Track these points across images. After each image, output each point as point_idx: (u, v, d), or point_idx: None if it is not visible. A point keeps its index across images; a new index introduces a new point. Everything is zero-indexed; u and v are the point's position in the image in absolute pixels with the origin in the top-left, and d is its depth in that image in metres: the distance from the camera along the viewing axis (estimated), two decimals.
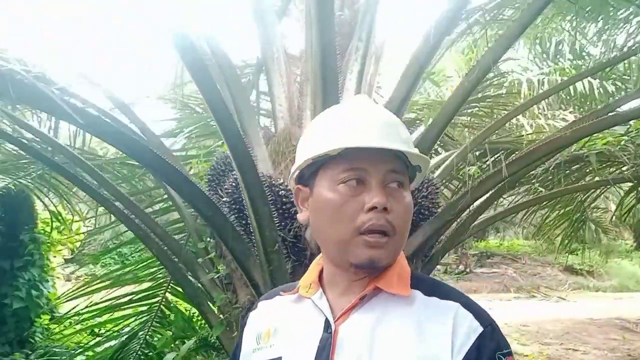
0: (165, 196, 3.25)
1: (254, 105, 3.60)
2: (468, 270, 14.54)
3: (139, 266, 3.90)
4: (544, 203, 4.22)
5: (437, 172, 2.73)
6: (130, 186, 4.11)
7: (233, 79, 2.43)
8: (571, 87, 4.35)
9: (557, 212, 5.26)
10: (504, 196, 4.41)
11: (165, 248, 2.38)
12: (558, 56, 6.31)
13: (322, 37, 1.64)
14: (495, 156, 3.44)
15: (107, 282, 3.78)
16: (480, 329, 0.89)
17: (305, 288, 1.00)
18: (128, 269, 3.94)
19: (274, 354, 0.96)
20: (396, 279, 0.94)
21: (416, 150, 0.94)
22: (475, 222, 2.83)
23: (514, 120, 4.08)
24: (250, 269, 2.09)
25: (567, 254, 9.38)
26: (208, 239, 2.57)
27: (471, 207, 2.54)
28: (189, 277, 2.42)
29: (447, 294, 0.94)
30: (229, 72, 2.41)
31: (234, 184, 2.21)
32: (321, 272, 1.01)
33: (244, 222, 2.19)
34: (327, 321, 0.93)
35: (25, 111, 3.38)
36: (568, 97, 4.77)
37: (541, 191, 3.27)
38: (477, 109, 4.55)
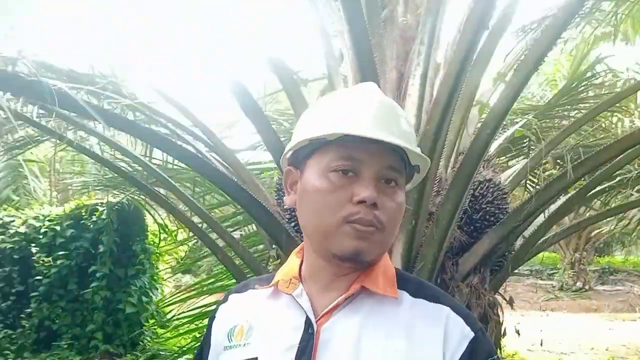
0: None
1: None
2: (587, 287, 13.37)
3: (224, 275, 4.10)
4: None
5: (510, 177, 2.59)
6: (223, 198, 4.35)
7: (294, 90, 2.50)
8: None
9: None
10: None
11: (233, 255, 2.49)
12: None
13: (356, 45, 1.63)
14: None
15: (195, 291, 4.02)
16: (472, 335, 0.86)
17: (285, 283, 0.93)
18: (213, 279, 4.16)
19: (250, 353, 0.90)
20: (382, 278, 0.90)
21: (417, 149, 0.90)
22: (556, 231, 2.64)
23: (628, 123, 3.73)
24: None
25: None
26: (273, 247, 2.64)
27: (546, 213, 2.38)
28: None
29: (435, 297, 0.90)
30: (290, 85, 2.48)
31: None
32: (300, 264, 0.95)
33: None
34: (308, 320, 0.88)
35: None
36: None
37: None
38: (576, 111, 4.23)
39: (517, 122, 3.96)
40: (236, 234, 4.29)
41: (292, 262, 0.97)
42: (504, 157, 4.38)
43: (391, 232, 0.89)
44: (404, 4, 2.74)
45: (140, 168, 3.69)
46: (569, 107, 4.15)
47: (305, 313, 0.88)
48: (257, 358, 0.89)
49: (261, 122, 1.95)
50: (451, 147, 2.38)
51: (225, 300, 1.03)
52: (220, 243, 2.98)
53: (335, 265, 0.89)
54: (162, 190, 3.61)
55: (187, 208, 3.24)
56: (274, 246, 2.66)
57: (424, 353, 0.83)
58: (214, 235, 3.00)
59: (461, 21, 1.64)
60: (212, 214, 4.02)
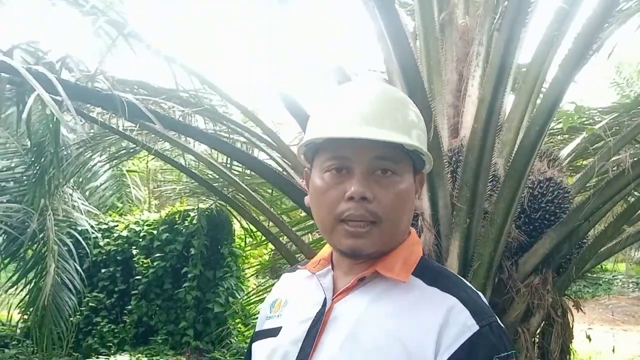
0: None
1: None
2: None
3: None
4: None
5: (576, 177, 2.51)
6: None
7: None
8: None
9: None
10: None
11: (298, 254, 2.64)
12: None
13: (398, 52, 1.70)
14: None
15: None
16: (476, 328, 0.83)
17: (313, 264, 1.01)
18: None
19: (279, 323, 1.00)
20: (400, 264, 0.92)
21: (403, 138, 0.88)
22: (632, 232, 2.52)
23: None
24: None
25: None
26: None
27: (613, 212, 2.30)
28: None
29: (447, 287, 0.90)
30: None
31: None
32: None
33: None
34: (326, 298, 0.94)
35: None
36: None
37: None
38: None
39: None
40: (311, 238, 4.46)
41: (327, 246, 1.03)
42: (591, 159, 4.19)
43: (393, 222, 0.91)
44: (463, 6, 2.76)
45: (217, 176, 3.99)
46: None
47: (324, 292, 0.96)
48: (281, 327, 0.98)
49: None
50: (510, 147, 2.36)
51: (279, 278, 1.14)
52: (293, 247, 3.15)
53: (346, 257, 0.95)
54: (241, 196, 3.87)
55: (261, 214, 3.46)
56: None
57: (420, 338, 0.84)
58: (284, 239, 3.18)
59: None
60: (285, 217, 4.21)
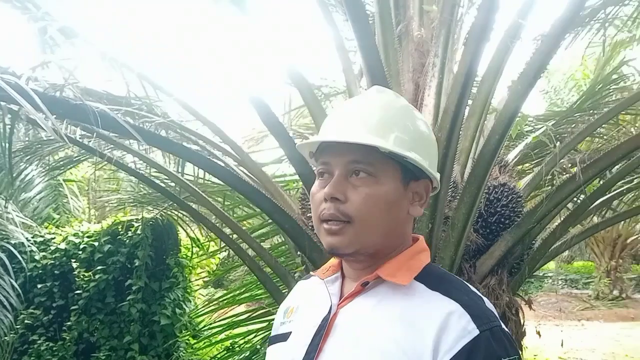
0: None
1: None
2: (624, 295, 13.05)
3: (254, 286, 4.23)
4: None
5: (525, 182, 2.66)
6: (251, 210, 4.52)
7: (315, 105, 2.64)
8: None
9: None
10: None
11: (259, 260, 2.63)
12: None
13: (368, 62, 1.77)
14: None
15: (226, 302, 4.17)
16: (476, 332, 0.83)
17: (322, 270, 1.05)
18: (243, 289, 4.30)
19: (289, 329, 1.04)
20: (403, 269, 0.94)
21: (375, 140, 0.90)
22: (575, 233, 2.70)
23: None
24: None
25: None
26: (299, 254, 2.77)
27: (560, 215, 2.45)
28: (280, 287, 2.63)
29: (449, 292, 0.90)
30: (310, 100, 2.62)
31: None
32: None
33: None
34: (332, 304, 0.97)
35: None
36: None
37: None
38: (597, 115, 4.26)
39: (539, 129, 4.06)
40: (265, 245, 4.45)
41: None
42: (528, 164, 4.45)
43: (367, 221, 0.92)
44: (418, 19, 2.86)
45: (173, 184, 3.91)
46: (592, 111, 4.18)
47: (331, 298, 0.99)
48: (291, 332, 1.03)
49: (284, 137, 2.09)
50: (466, 154, 2.47)
51: (294, 286, 1.19)
52: (250, 253, 3.14)
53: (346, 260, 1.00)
54: (194, 205, 3.80)
55: (218, 220, 3.42)
56: (299, 253, 2.80)
57: (419, 344, 0.84)
58: (244, 246, 3.16)
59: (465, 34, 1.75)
60: (241, 225, 4.19)
